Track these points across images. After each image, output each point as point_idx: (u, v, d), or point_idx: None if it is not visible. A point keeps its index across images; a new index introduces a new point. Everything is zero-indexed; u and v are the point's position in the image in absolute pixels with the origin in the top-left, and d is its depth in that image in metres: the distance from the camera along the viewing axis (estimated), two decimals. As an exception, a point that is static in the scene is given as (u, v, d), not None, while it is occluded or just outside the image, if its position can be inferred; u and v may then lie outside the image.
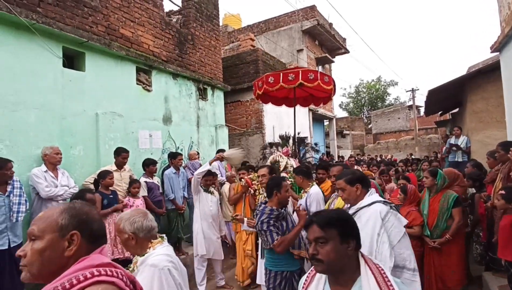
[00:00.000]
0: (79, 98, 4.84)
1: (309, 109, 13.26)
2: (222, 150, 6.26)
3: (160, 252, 1.86)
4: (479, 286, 3.97)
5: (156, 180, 5.46)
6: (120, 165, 4.88)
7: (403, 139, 27.59)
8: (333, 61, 16.56)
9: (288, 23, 14.96)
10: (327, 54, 15.51)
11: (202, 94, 7.72)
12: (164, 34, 6.59)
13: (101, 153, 5.04)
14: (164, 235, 2.03)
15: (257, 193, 4.49)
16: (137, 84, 5.91)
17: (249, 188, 4.59)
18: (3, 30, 4.01)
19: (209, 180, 4.54)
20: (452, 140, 7.98)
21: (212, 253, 4.49)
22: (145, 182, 5.17)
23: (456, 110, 12.37)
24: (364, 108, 42.90)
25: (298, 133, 6.65)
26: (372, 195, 2.29)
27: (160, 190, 5.48)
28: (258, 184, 4.42)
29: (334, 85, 5.76)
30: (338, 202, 3.03)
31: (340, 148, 22.77)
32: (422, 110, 36.49)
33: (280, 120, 10.41)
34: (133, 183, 4.75)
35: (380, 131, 33.92)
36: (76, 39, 4.74)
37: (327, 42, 15.95)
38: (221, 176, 6.45)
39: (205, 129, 7.70)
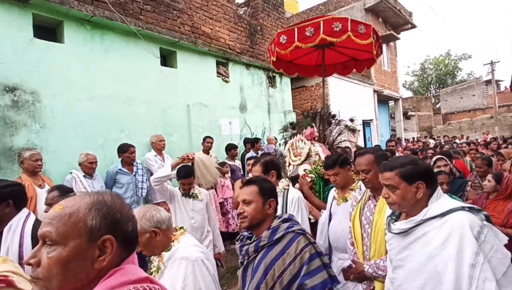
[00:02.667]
0: (174, 92, 5.54)
1: (374, 91, 12.84)
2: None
3: (188, 243, 1.74)
4: None
5: (237, 163, 6.01)
6: (207, 151, 5.50)
7: (479, 118, 24.94)
8: (398, 38, 15.60)
9: (350, 2, 14.44)
10: (392, 32, 14.66)
11: (272, 82, 8.08)
12: (237, 28, 7.03)
13: (192, 139, 5.73)
14: (183, 226, 1.94)
15: None
16: (217, 76, 6.48)
17: None
18: (117, 37, 4.77)
19: (187, 183, 3.15)
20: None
21: None
22: (228, 164, 5.74)
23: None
24: (431, 86, 39.44)
25: (329, 111, 4.83)
26: (444, 198, 1.46)
27: (241, 172, 6.02)
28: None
29: (378, 39, 4.14)
30: (381, 210, 1.93)
31: (405, 131, 21.54)
32: (503, 85, 32.38)
33: (347, 104, 10.35)
34: (223, 164, 5.34)
35: (451, 110, 31.02)
36: (169, 39, 5.40)
37: (392, 18, 15.05)
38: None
39: (275, 115, 8.09)
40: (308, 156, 3.69)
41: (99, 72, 4.48)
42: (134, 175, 4.23)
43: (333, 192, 2.58)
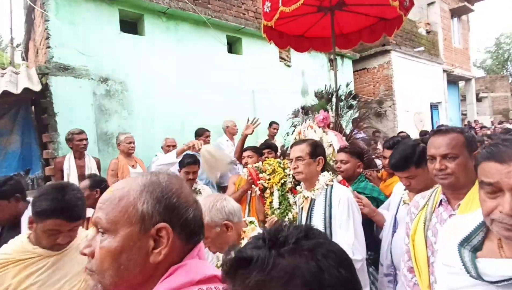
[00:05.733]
0: (239, 78, 5.67)
1: (443, 70, 11.75)
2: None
3: None
4: None
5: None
6: (272, 136, 5.58)
7: None
8: (472, 10, 13.95)
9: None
10: (465, 3, 13.15)
11: (333, 65, 7.83)
12: (299, 10, 6.90)
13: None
14: (253, 218, 1.71)
15: (266, 194, 2.75)
16: (280, 61, 6.47)
17: (254, 185, 2.79)
18: (189, 27, 5.01)
19: (192, 172, 2.84)
20: None
21: None
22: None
23: None
24: (508, 63, 34.80)
25: (349, 90, 3.78)
26: None
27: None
28: (270, 179, 2.71)
29: None
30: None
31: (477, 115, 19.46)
32: None
33: (414, 85, 9.67)
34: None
35: (533, 90, 27.14)
36: (236, 26, 5.51)
37: (465, -12, 13.46)
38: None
39: (336, 99, 7.86)
40: None
41: (175, 61, 4.77)
42: (209, 158, 4.48)
43: (399, 191, 1.98)
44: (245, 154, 3.13)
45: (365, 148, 3.51)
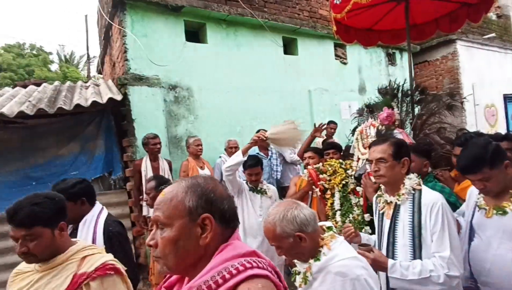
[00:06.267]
0: (296, 78, 5.68)
1: (519, 58, 10.47)
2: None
3: (344, 254, 1.40)
4: None
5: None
6: (329, 136, 5.47)
7: None
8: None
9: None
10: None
11: (391, 59, 7.46)
12: (354, 5, 6.69)
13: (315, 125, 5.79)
14: (330, 223, 1.60)
15: (327, 196, 2.73)
16: (335, 58, 6.34)
17: (314, 186, 2.81)
18: (247, 32, 5.15)
19: (254, 174, 2.90)
20: None
21: None
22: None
23: None
24: None
25: (418, 86, 3.59)
26: None
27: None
28: (331, 180, 2.68)
29: None
30: None
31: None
32: None
33: (482, 77, 8.79)
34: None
35: None
36: (291, 27, 5.53)
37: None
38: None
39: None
40: None
41: (234, 66, 4.94)
42: (269, 159, 4.56)
43: (473, 194, 1.82)
44: (306, 154, 3.11)
45: (434, 145, 3.27)
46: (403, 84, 3.50)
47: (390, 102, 3.26)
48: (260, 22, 5.07)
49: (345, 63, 6.47)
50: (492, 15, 10.08)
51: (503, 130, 9.12)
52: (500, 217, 1.60)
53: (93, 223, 1.87)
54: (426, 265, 1.51)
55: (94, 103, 3.64)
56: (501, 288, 1.57)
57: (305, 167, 3.01)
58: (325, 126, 3.49)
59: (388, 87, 3.55)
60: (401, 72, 7.66)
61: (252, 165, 2.84)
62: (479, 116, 8.79)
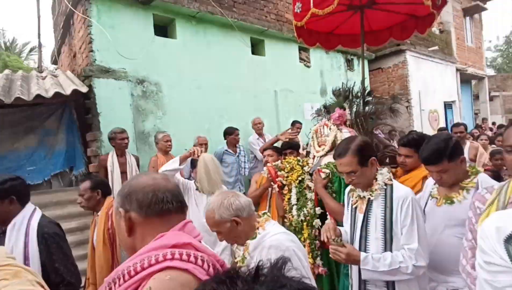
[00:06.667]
0: (263, 79, 5.84)
1: (457, 69, 11.77)
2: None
3: (276, 230, 1.59)
4: None
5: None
6: (294, 136, 5.73)
7: None
8: (485, 9, 13.94)
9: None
10: (478, 2, 13.14)
11: (350, 65, 7.97)
12: (317, 12, 7.05)
13: (280, 124, 6.02)
14: (268, 212, 1.75)
15: (284, 191, 2.80)
16: (300, 61, 6.63)
17: (272, 182, 2.87)
18: (217, 30, 5.20)
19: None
20: None
21: None
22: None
23: None
24: (519, 62, 34.37)
25: (366, 89, 3.80)
26: None
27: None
28: (288, 176, 2.79)
29: None
30: None
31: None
32: None
33: (427, 85, 9.74)
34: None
35: (546, 89, 26.79)
36: (259, 29, 5.69)
37: (477, -13, 13.45)
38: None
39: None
40: (334, 145, 2.80)
41: (203, 63, 4.96)
42: (238, 156, 4.66)
43: (429, 185, 1.98)
44: (266, 153, 3.28)
45: (386, 143, 3.72)
46: (352, 87, 3.70)
47: (342, 103, 3.44)
48: (230, 22, 5.15)
49: (308, 66, 6.79)
50: (435, 29, 11.21)
51: (443, 134, 10.17)
52: (448, 206, 1.76)
53: (24, 225, 1.71)
54: (396, 257, 1.60)
55: (57, 94, 3.45)
56: (444, 269, 1.73)
57: (264, 165, 3.12)
58: (295, 134, 3.65)
59: (341, 89, 3.74)
60: (358, 77, 8.19)
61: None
62: (425, 120, 9.73)
